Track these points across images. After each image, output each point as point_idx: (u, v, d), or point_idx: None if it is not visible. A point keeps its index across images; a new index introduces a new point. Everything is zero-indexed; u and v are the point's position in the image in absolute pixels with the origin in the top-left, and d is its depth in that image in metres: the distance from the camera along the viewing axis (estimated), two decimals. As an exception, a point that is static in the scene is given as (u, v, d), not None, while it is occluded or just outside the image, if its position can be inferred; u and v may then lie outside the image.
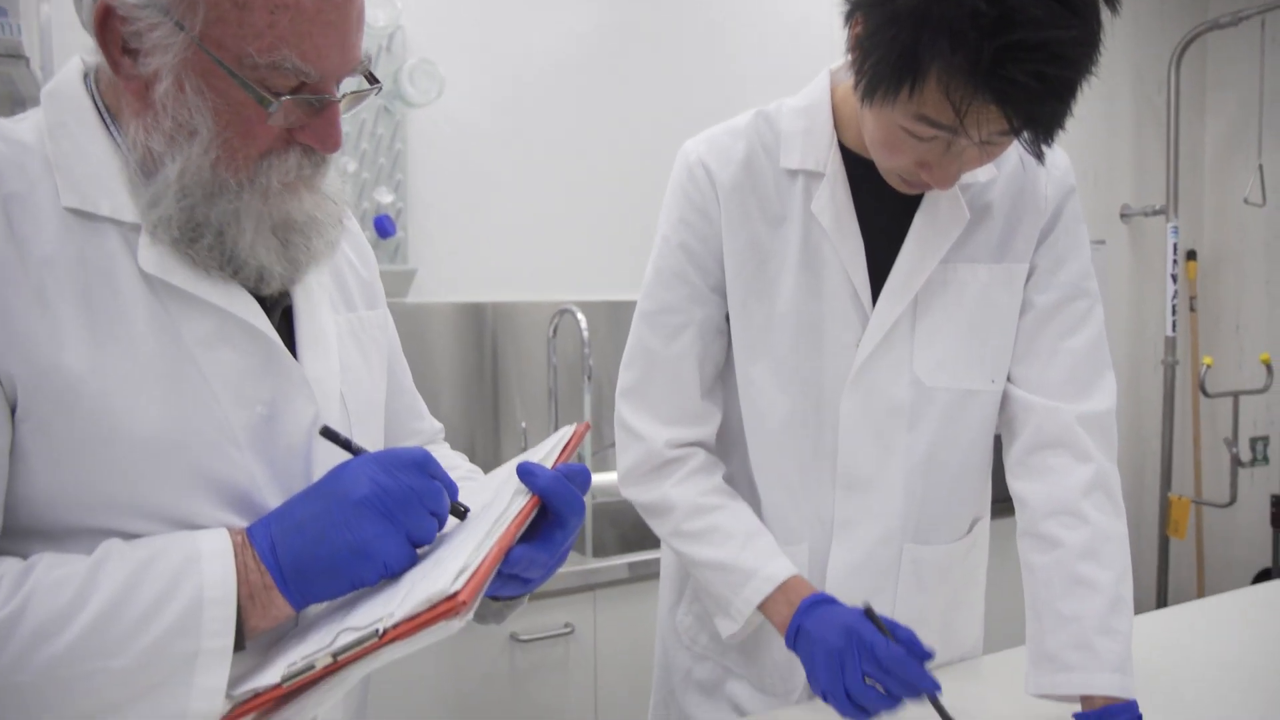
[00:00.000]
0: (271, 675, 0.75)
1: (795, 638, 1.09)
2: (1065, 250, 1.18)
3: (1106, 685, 1.04)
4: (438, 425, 1.21)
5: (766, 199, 1.16)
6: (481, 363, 2.47)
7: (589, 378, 2.25)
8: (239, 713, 0.75)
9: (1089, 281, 1.19)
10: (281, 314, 0.92)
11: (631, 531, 2.45)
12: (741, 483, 1.25)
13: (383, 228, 2.31)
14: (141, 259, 0.80)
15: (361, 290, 1.05)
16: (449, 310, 2.42)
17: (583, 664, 1.97)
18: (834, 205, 1.14)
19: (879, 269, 1.15)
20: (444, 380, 2.42)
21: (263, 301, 0.88)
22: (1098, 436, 1.15)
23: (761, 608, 1.14)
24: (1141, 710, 1.05)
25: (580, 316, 2.27)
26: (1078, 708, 1.07)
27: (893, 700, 1.01)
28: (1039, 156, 1.02)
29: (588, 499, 2.28)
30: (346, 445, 0.85)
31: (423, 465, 0.81)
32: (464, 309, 2.44)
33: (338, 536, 0.77)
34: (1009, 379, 1.20)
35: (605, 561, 1.99)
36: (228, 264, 0.83)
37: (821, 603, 1.10)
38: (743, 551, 1.15)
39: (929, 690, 1.00)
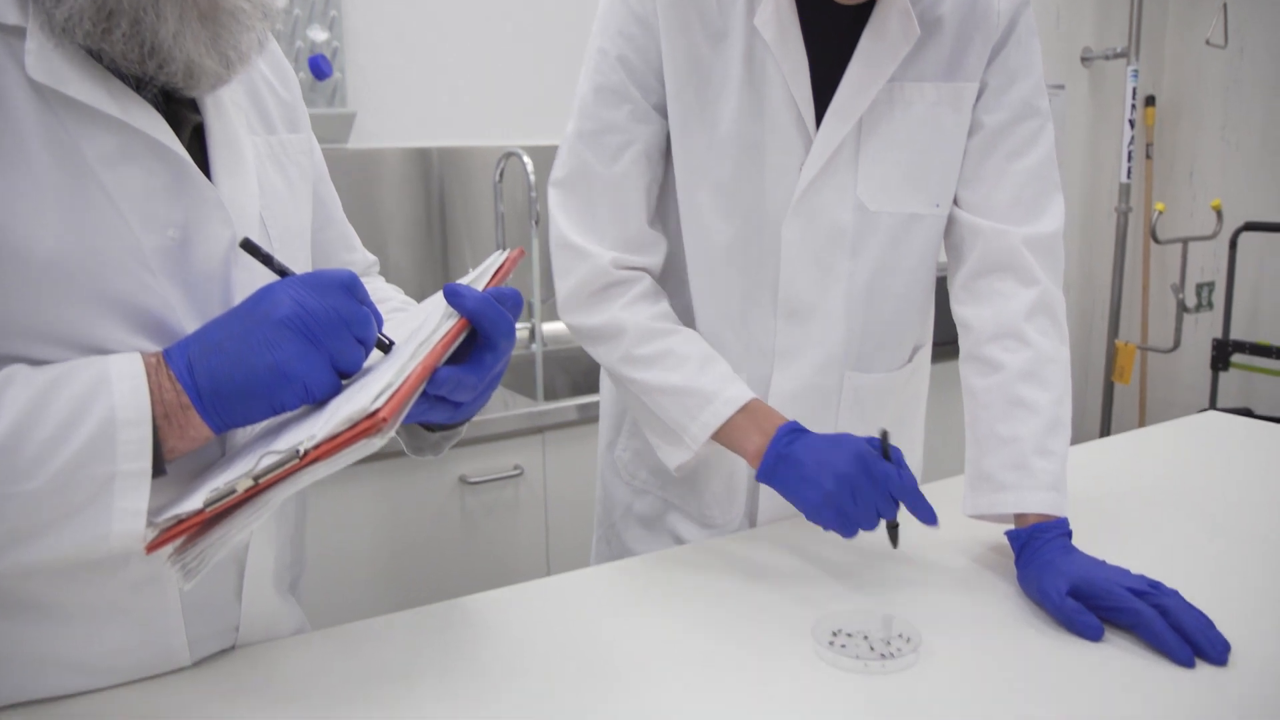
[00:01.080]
0: (194, 501, 0.74)
1: (775, 465, 1.05)
2: (1017, 67, 1.14)
3: (1039, 503, 1.05)
4: (371, 258, 1.18)
5: (707, 12, 1.10)
6: (429, 209, 2.41)
7: (536, 223, 2.20)
8: (163, 538, 0.74)
9: (1040, 100, 1.15)
10: (193, 134, 0.87)
11: (583, 378, 2.46)
12: (680, 315, 1.23)
13: (318, 68, 2.20)
14: (30, 67, 0.74)
15: (282, 112, 0.99)
16: (394, 156, 2.35)
17: (532, 505, 2.00)
18: (778, 18, 1.08)
19: (824, 89, 1.11)
20: (390, 228, 2.36)
21: (172, 121, 0.83)
22: (1044, 259, 1.14)
23: (722, 434, 1.10)
24: (1083, 532, 1.07)
25: (527, 160, 2.21)
26: (1012, 527, 1.09)
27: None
28: None
29: (537, 346, 2.27)
30: (267, 261, 0.82)
31: (349, 288, 0.78)
32: (409, 154, 2.36)
33: (256, 357, 0.74)
34: (956, 203, 1.18)
35: (554, 404, 1.99)
36: (150, 57, 0.77)
37: (801, 430, 1.06)
38: (700, 375, 1.11)
39: (930, 523, 1.00)
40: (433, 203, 2.41)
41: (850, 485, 0.99)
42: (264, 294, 0.77)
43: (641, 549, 1.30)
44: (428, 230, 2.41)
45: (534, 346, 2.32)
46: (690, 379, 1.11)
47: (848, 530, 1.01)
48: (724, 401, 1.09)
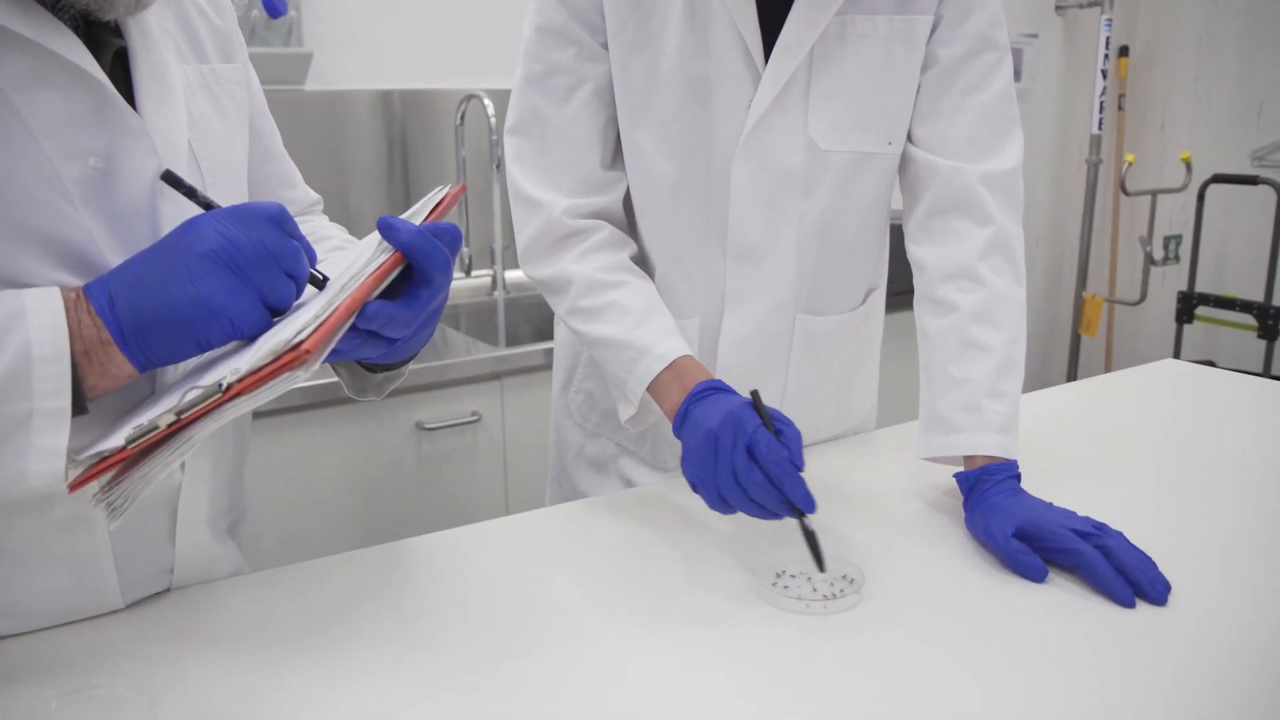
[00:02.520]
0: (117, 438, 0.72)
1: (681, 423, 1.00)
2: None
3: (989, 445, 1.05)
4: (314, 196, 1.15)
5: None
6: (390, 153, 2.36)
7: (497, 166, 2.17)
8: (86, 476, 0.72)
9: (998, 31, 1.12)
10: (117, 60, 0.83)
11: (546, 325, 2.43)
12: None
13: (272, 6, 2.12)
14: None
15: (215, 40, 0.95)
16: (356, 98, 2.29)
17: (491, 451, 1.98)
18: None
19: (771, 24, 1.07)
20: (351, 172, 2.31)
21: (92, 45, 0.79)
22: (1001, 196, 1.12)
23: (653, 391, 1.08)
24: (1038, 475, 1.06)
25: (488, 102, 2.17)
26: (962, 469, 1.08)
27: (760, 510, 0.91)
28: None
29: (499, 293, 2.25)
30: (191, 194, 0.79)
31: (278, 221, 0.76)
32: (371, 97, 2.31)
33: (180, 291, 0.71)
34: (911, 140, 1.15)
35: (514, 350, 1.97)
36: None
37: (715, 389, 1.01)
38: (637, 329, 1.09)
39: (803, 507, 0.89)
40: (394, 146, 2.36)
41: (712, 442, 0.92)
42: (188, 226, 0.75)
43: (592, 491, 1.29)
44: (389, 174, 2.37)
45: (496, 293, 2.30)
46: (627, 332, 1.09)
47: (709, 495, 0.93)
48: (654, 357, 1.06)
